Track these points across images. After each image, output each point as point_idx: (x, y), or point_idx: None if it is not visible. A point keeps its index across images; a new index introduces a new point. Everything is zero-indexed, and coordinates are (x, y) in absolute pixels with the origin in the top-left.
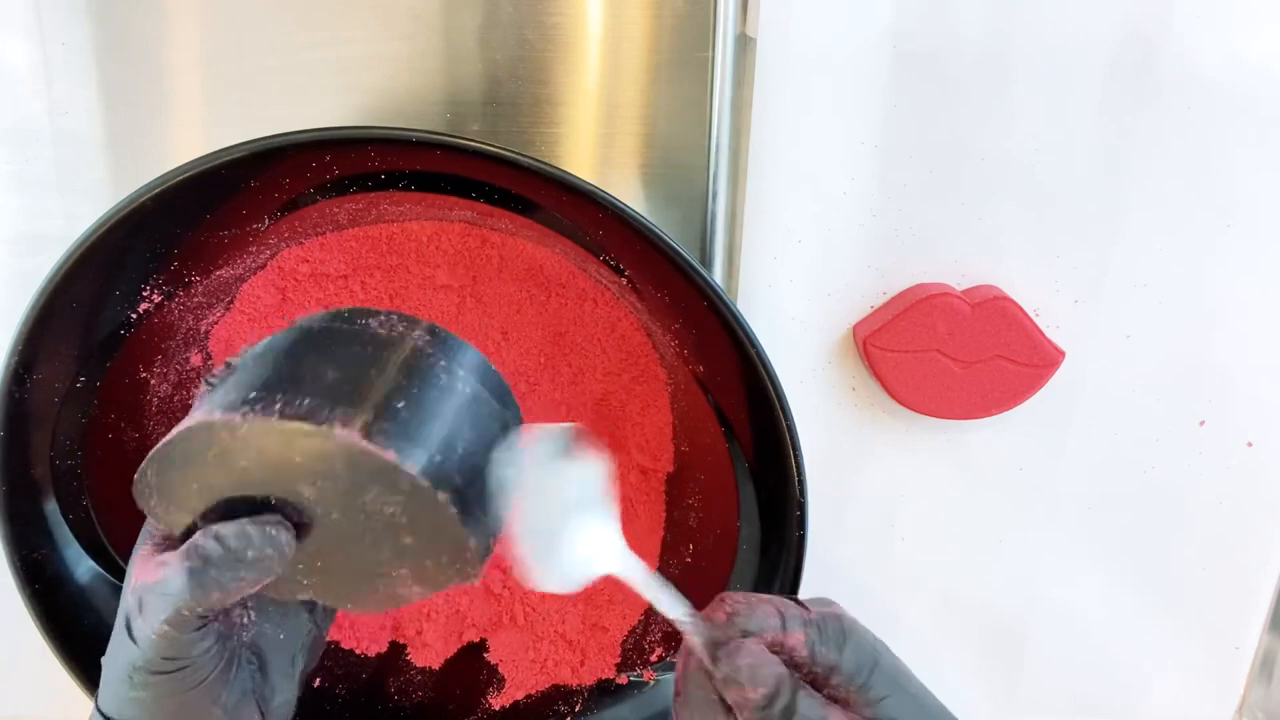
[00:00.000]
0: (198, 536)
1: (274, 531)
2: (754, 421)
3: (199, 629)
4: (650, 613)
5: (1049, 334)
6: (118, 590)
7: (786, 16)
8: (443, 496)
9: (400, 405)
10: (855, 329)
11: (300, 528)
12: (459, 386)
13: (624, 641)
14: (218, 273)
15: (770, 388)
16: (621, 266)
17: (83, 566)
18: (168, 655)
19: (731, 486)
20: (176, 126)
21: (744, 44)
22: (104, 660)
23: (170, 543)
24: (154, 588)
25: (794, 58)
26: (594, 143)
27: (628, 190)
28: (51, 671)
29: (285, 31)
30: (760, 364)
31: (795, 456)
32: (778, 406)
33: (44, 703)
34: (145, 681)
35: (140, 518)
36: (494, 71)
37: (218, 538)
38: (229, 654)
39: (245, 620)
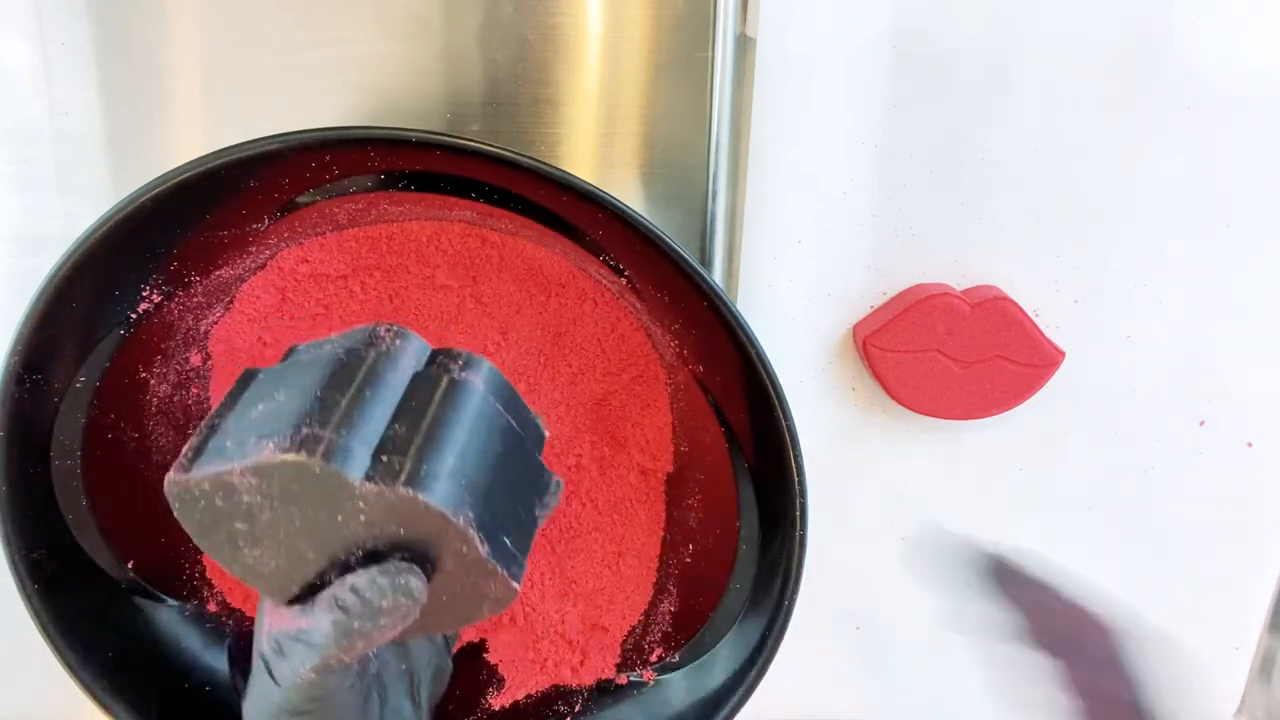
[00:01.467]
0: (335, 588)
1: (404, 580)
2: (754, 421)
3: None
4: (650, 613)
5: (1049, 334)
6: (117, 589)
7: (786, 16)
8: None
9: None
10: (855, 329)
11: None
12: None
13: (624, 641)
14: (217, 273)
15: (770, 388)
16: (621, 267)
17: (82, 567)
18: (313, 696)
19: (731, 486)
20: (176, 126)
21: (744, 44)
22: (245, 704)
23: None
24: (297, 635)
25: (794, 58)
26: (594, 143)
27: (628, 190)
28: (51, 671)
29: (285, 31)
30: (760, 364)
31: (795, 456)
32: (778, 406)
33: (44, 703)
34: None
35: (136, 521)
36: (494, 71)
37: (354, 589)
38: (366, 687)
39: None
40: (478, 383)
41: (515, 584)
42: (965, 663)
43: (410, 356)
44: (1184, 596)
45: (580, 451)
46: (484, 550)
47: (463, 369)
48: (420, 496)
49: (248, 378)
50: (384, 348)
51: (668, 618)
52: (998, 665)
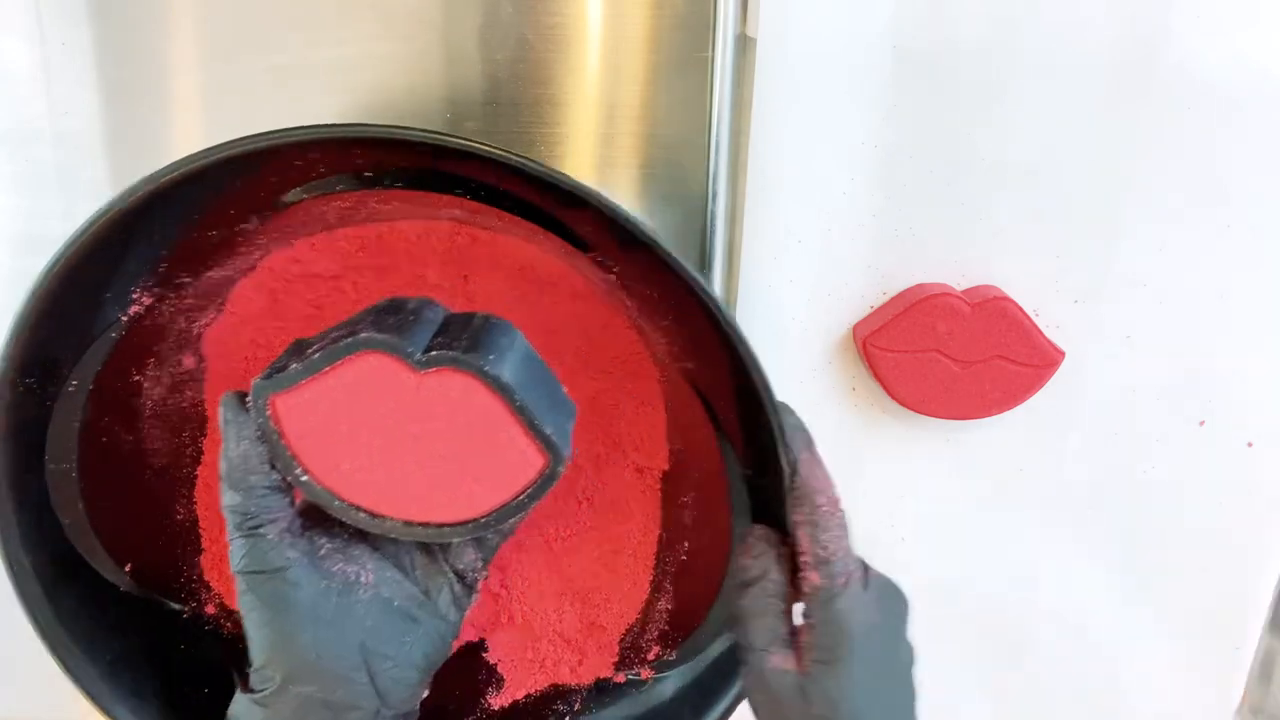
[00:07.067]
0: None
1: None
2: (744, 419)
3: (256, 528)
4: (647, 611)
5: (1049, 334)
6: (114, 592)
7: (786, 16)
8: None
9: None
10: (855, 329)
11: None
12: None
13: (621, 640)
14: (208, 274)
15: (758, 385)
16: (610, 264)
17: (79, 570)
18: (242, 528)
19: (724, 483)
20: (176, 126)
21: (744, 44)
22: None
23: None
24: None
25: (794, 58)
26: (594, 143)
27: (628, 190)
28: (49, 674)
29: (285, 31)
30: (747, 360)
31: (785, 453)
32: (766, 404)
33: (44, 704)
34: (243, 585)
35: (133, 524)
36: (494, 71)
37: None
38: (327, 587)
39: (358, 575)
40: (504, 322)
41: (553, 454)
42: (965, 663)
43: (439, 309)
44: (1184, 596)
45: (575, 449)
46: (522, 415)
47: (489, 316)
48: (467, 358)
49: (301, 341)
50: (422, 299)
51: (665, 616)
52: (996, 666)
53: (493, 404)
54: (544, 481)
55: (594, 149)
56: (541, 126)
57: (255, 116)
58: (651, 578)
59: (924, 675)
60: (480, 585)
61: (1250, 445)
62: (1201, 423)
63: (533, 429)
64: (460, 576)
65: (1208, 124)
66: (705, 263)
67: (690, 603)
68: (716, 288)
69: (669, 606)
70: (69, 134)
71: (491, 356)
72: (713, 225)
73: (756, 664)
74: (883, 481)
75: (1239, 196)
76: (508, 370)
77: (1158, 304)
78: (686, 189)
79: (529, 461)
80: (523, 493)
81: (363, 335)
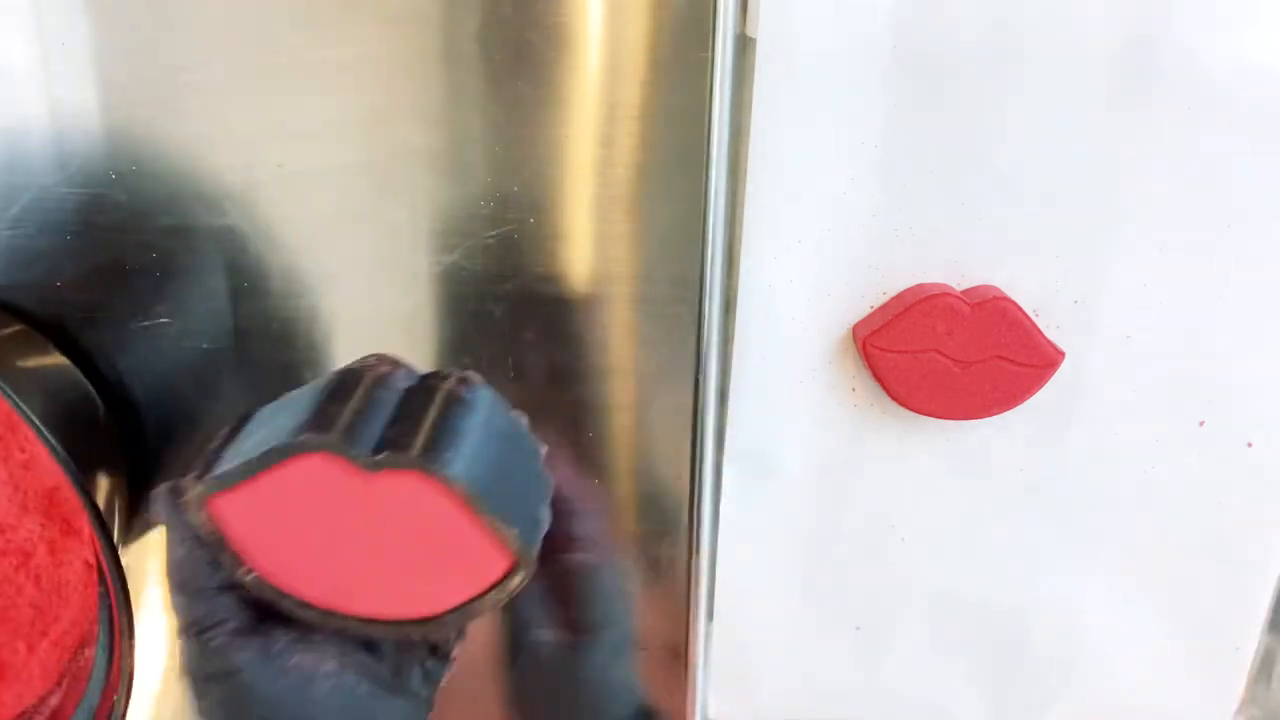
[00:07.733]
0: None
1: None
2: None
3: (203, 633)
4: (41, 702)
5: (1049, 334)
6: None
7: (786, 16)
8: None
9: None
10: (855, 329)
11: None
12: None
13: None
14: None
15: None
16: None
17: None
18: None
19: None
20: (177, 127)
21: (744, 44)
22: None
23: None
24: None
25: (794, 58)
26: (594, 143)
27: (627, 190)
28: None
29: (285, 31)
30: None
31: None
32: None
33: None
34: (195, 689)
35: None
36: (494, 71)
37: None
38: (284, 685)
39: (319, 665)
40: (471, 394)
41: (519, 556)
42: (964, 663)
43: (402, 378)
44: (1184, 596)
45: (30, 531)
46: (484, 516)
47: (457, 384)
48: (420, 460)
49: (245, 416)
50: (377, 371)
51: (49, 711)
52: (995, 666)
53: (450, 506)
54: (507, 582)
55: (594, 149)
56: (542, 127)
57: (255, 117)
58: (60, 671)
59: (922, 675)
60: (455, 654)
61: (1250, 445)
62: (1201, 423)
63: (496, 531)
64: (434, 649)
65: (1208, 124)
66: (704, 264)
67: (70, 704)
68: (716, 288)
69: (56, 703)
70: (69, 134)
71: (448, 453)
72: (713, 225)
73: (529, 639)
74: (883, 481)
75: (1239, 196)
76: (468, 465)
77: (1158, 304)
78: (686, 189)
79: (492, 563)
80: (486, 592)
81: (304, 438)
